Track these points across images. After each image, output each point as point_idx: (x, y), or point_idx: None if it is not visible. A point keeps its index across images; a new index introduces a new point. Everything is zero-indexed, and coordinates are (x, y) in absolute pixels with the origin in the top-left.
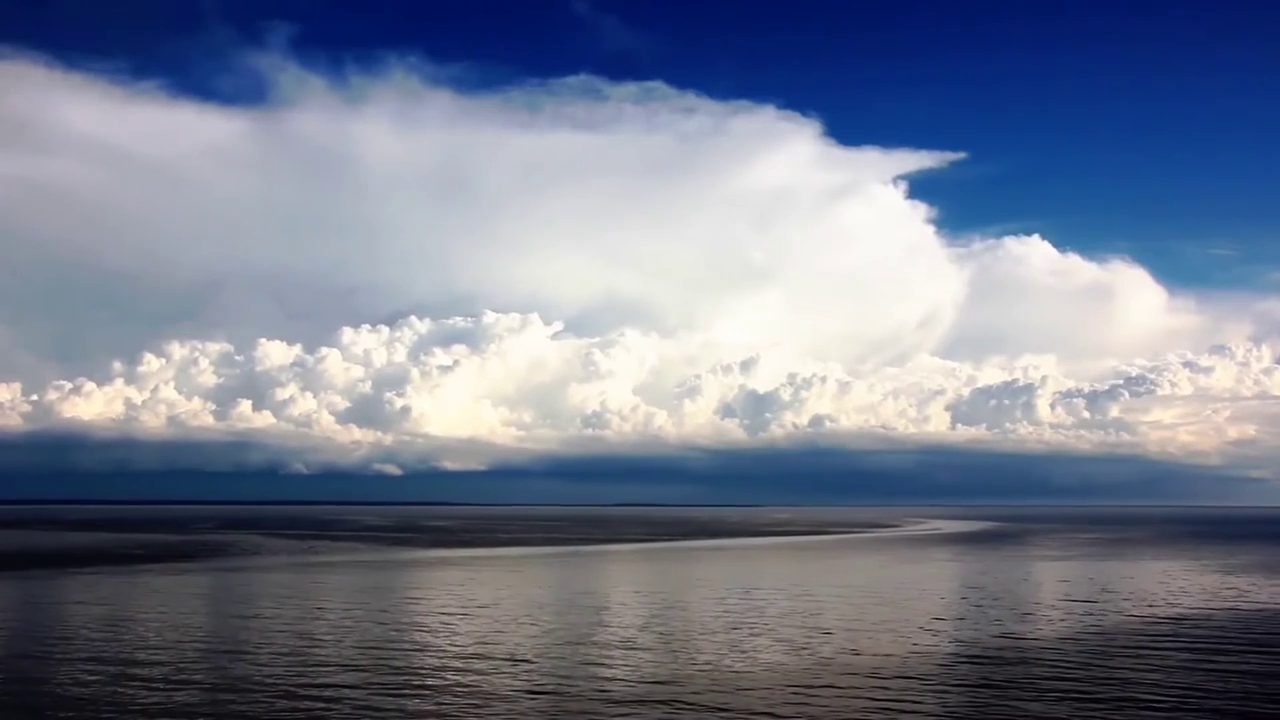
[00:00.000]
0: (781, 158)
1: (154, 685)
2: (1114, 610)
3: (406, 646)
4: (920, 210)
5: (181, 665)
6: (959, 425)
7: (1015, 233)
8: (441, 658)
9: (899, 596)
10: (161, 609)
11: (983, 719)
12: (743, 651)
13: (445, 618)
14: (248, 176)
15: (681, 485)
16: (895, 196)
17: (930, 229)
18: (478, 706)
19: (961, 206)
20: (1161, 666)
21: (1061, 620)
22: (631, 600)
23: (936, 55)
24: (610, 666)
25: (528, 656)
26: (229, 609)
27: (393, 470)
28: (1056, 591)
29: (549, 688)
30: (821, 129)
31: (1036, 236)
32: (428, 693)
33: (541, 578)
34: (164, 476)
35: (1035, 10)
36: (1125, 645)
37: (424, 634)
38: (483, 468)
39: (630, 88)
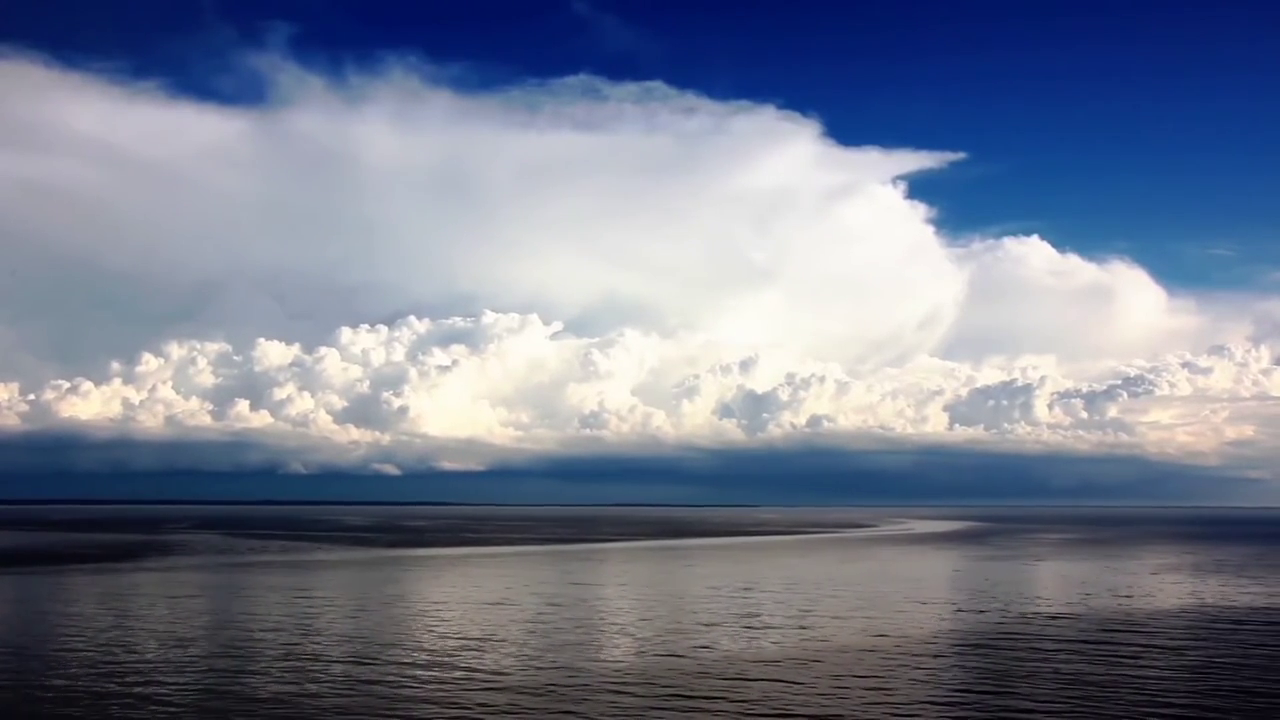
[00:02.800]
0: (781, 158)
1: None
2: (1000, 609)
3: (256, 644)
4: (920, 210)
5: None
6: (957, 425)
7: (1014, 233)
8: (284, 651)
9: (793, 593)
10: (50, 608)
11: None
12: (593, 648)
13: (330, 616)
14: (247, 176)
15: (679, 486)
16: (895, 197)
17: (930, 229)
18: (288, 702)
19: (961, 207)
20: (993, 665)
21: (929, 618)
22: (521, 599)
23: (936, 55)
24: (441, 664)
25: (373, 652)
26: (117, 607)
27: (391, 470)
28: (957, 589)
29: (362, 678)
30: (821, 129)
31: (1036, 237)
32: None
33: (465, 577)
34: (162, 476)
35: (1035, 10)
36: (975, 644)
37: (283, 631)
38: (481, 468)
39: (630, 88)
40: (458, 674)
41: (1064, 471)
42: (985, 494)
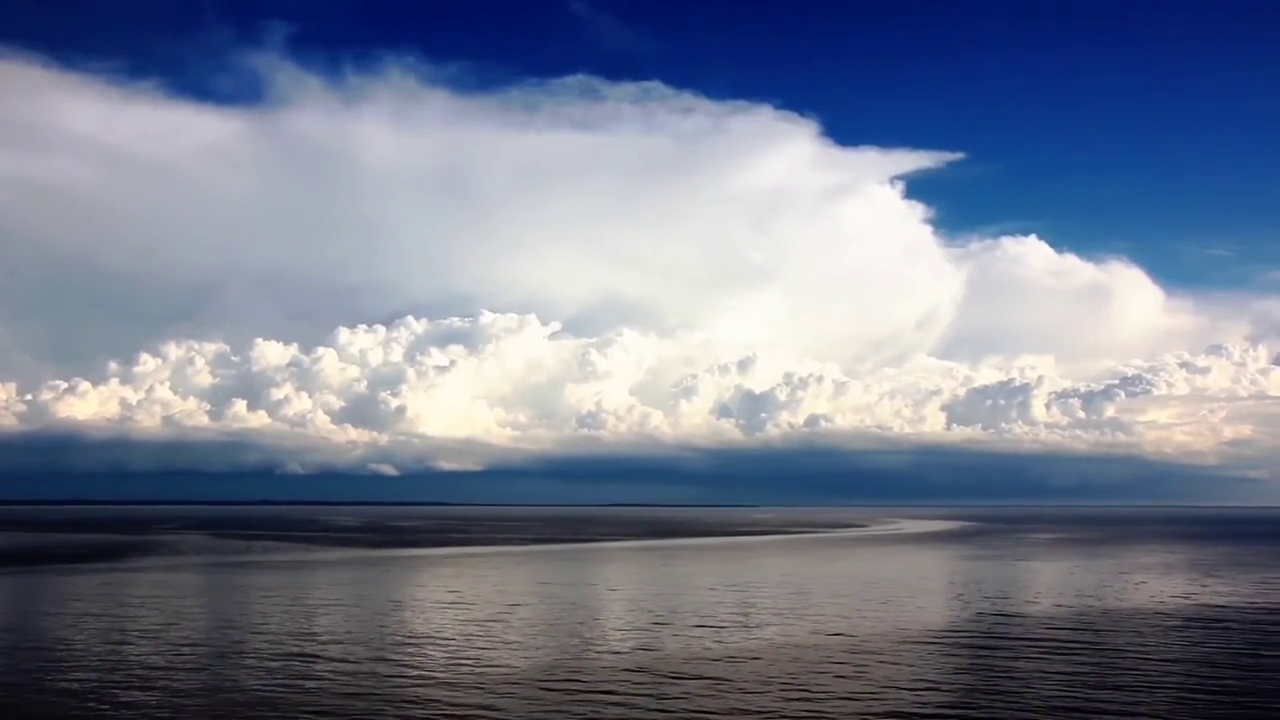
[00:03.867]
0: (779, 158)
1: None
2: (960, 608)
3: (201, 641)
4: (918, 210)
5: None
6: (955, 425)
7: (1012, 233)
8: (228, 648)
9: (758, 593)
10: (10, 607)
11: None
12: (534, 646)
13: (287, 615)
14: (245, 176)
15: (677, 485)
16: (893, 197)
17: (928, 229)
18: (192, 700)
19: (959, 206)
20: (929, 663)
21: (885, 617)
22: (484, 598)
23: (935, 55)
24: (379, 660)
25: (316, 649)
26: (77, 607)
27: (388, 470)
28: (925, 589)
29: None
30: (819, 129)
31: (1034, 236)
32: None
33: (437, 577)
34: (160, 477)
35: (1034, 10)
36: (919, 642)
37: (235, 629)
38: (478, 468)
39: (628, 88)
40: (390, 671)
41: (1061, 471)
42: (983, 494)
